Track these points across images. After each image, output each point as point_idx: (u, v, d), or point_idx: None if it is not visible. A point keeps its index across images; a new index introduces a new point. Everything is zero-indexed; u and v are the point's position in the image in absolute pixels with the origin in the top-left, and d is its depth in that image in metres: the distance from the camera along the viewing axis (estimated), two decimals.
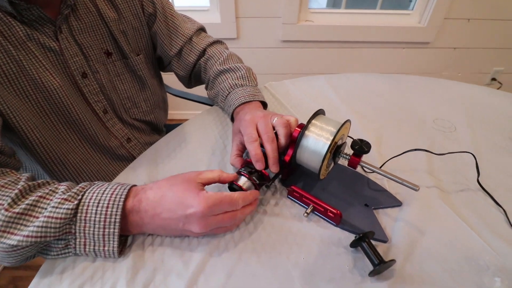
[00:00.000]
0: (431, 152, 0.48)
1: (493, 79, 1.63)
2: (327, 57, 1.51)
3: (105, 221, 0.34)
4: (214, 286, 0.34)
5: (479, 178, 0.48)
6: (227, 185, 0.43)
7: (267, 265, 0.37)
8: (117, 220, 0.34)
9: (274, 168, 0.42)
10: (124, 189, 0.36)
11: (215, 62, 0.62)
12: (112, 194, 0.35)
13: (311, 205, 0.41)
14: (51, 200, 0.34)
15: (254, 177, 0.40)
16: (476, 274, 0.36)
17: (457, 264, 0.37)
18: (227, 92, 0.58)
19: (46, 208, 0.33)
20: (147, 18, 0.58)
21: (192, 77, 0.69)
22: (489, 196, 0.46)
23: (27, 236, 0.32)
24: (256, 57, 1.50)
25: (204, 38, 0.65)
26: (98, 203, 0.34)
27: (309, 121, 0.40)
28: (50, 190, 0.35)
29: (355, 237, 0.37)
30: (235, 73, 0.60)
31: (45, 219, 0.32)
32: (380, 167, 0.50)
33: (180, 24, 0.61)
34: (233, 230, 0.40)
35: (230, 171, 0.49)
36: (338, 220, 0.40)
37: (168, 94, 0.83)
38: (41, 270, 0.36)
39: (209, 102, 0.84)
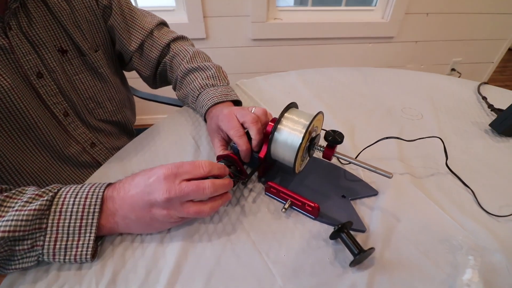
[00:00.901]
0: (402, 139, 0.49)
1: (453, 69, 1.73)
2: (297, 54, 1.53)
3: (83, 212, 0.33)
4: None
5: (447, 162, 0.50)
6: None
7: (247, 266, 0.35)
8: (96, 210, 0.33)
9: (256, 148, 0.43)
10: (103, 184, 0.36)
11: (182, 60, 0.59)
12: (91, 187, 0.35)
13: (289, 200, 0.40)
14: (19, 199, 0.32)
15: (231, 171, 0.39)
16: (451, 254, 0.37)
17: (432, 246, 0.38)
18: (198, 93, 0.56)
19: (13, 207, 0.31)
20: (102, 11, 0.54)
21: (158, 77, 0.65)
22: (458, 178, 0.48)
23: None
24: (226, 57, 1.48)
25: (167, 33, 0.62)
26: (76, 194, 0.33)
27: (281, 115, 0.39)
28: (17, 191, 0.34)
29: (334, 228, 0.37)
30: (204, 72, 0.58)
31: (15, 213, 0.30)
32: (356, 157, 0.51)
33: (139, 18, 0.58)
34: (206, 216, 0.39)
35: None
36: (316, 213, 0.40)
37: (134, 97, 0.79)
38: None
39: (180, 103, 0.81)
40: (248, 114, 0.43)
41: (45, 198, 0.32)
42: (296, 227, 0.40)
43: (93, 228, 0.33)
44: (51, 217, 0.32)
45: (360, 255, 0.34)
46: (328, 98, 0.69)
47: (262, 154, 0.42)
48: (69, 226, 0.32)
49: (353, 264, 0.35)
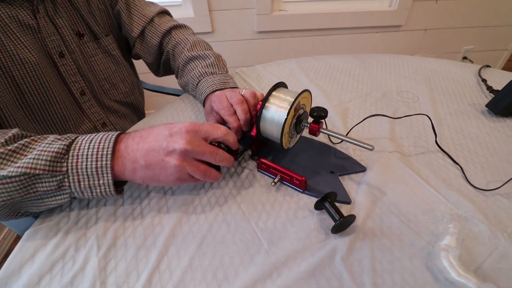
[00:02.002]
0: (389, 117, 0.50)
1: (465, 57, 1.68)
2: (303, 45, 1.53)
3: (97, 154, 0.35)
4: (184, 254, 0.36)
5: (437, 140, 0.50)
6: None
7: (236, 233, 0.38)
8: (109, 152, 0.35)
9: (245, 128, 0.46)
10: (117, 132, 0.38)
11: (183, 48, 0.63)
12: (104, 134, 0.37)
13: (278, 175, 0.43)
14: (43, 142, 0.35)
15: (223, 146, 0.42)
16: (433, 224, 0.39)
17: (414, 217, 0.40)
18: (197, 81, 0.59)
19: (36, 148, 0.34)
20: (110, 0, 0.60)
21: (162, 66, 0.69)
22: (447, 156, 0.49)
23: (18, 167, 0.32)
24: (232, 50, 1.51)
25: (168, 21, 0.65)
26: (91, 141, 0.36)
27: (268, 93, 0.42)
28: (43, 136, 0.37)
29: (318, 198, 0.39)
30: (204, 60, 0.60)
31: (37, 152, 0.33)
32: (346, 135, 0.52)
33: (142, 6, 0.63)
34: (211, 179, 0.41)
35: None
36: (303, 187, 0.42)
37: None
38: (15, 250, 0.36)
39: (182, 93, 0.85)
40: (236, 95, 0.46)
41: (64, 142, 0.35)
42: (285, 200, 0.42)
43: (108, 169, 0.35)
44: (69, 160, 0.34)
45: (340, 221, 0.36)
46: (324, 83, 0.70)
47: (253, 132, 0.45)
48: (86, 168, 0.34)
49: (334, 229, 0.37)
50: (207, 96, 0.55)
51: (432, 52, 1.65)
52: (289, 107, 0.39)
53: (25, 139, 0.35)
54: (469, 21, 1.54)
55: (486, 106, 0.59)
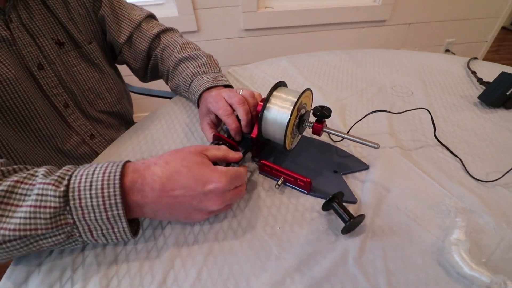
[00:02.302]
0: (390, 112, 0.50)
1: (447, 50, 1.73)
2: (291, 42, 1.53)
3: (104, 204, 0.30)
4: (192, 266, 0.34)
5: (436, 133, 0.51)
6: None
7: (243, 240, 0.37)
8: (118, 200, 0.30)
9: (246, 130, 0.44)
10: (117, 165, 0.31)
11: (172, 51, 0.60)
12: (104, 173, 0.31)
13: (282, 177, 0.42)
14: (30, 184, 0.30)
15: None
16: (439, 218, 0.39)
17: (421, 212, 0.40)
18: (190, 81, 0.57)
19: (26, 195, 0.29)
20: (92, 4, 0.56)
21: (149, 70, 0.66)
22: (446, 149, 0.49)
23: (13, 230, 0.28)
24: (219, 49, 1.48)
25: (156, 26, 0.62)
26: (91, 186, 0.30)
27: (270, 93, 0.40)
28: (28, 174, 0.31)
29: (326, 199, 0.38)
30: (195, 61, 0.58)
31: (31, 209, 0.28)
32: (347, 133, 0.52)
33: (128, 10, 0.60)
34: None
35: None
36: (308, 188, 0.41)
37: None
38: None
39: (174, 95, 0.82)
40: (235, 95, 0.44)
41: (57, 193, 0.29)
42: (290, 202, 0.41)
43: (122, 218, 0.31)
44: (74, 212, 0.30)
45: (350, 222, 0.35)
46: (319, 80, 0.70)
47: (254, 134, 0.43)
48: (96, 219, 0.30)
49: (344, 231, 0.36)
50: (201, 95, 0.53)
51: (416, 46, 1.68)
52: (292, 107, 0.38)
53: (7, 183, 0.29)
54: (450, 14, 1.58)
55: (479, 98, 0.60)
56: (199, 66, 0.57)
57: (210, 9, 1.34)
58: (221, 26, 1.41)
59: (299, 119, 0.40)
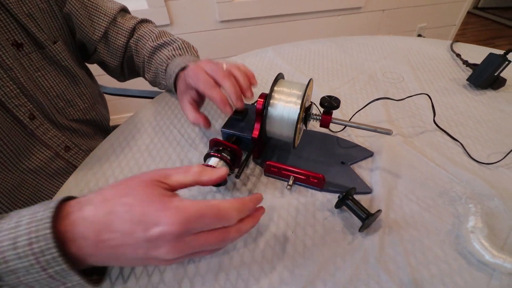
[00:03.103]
0: (392, 99, 0.49)
1: (419, 35, 1.78)
2: (269, 33, 1.49)
3: (39, 263, 0.23)
4: (202, 286, 0.30)
5: (434, 118, 0.50)
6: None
7: (256, 249, 0.34)
8: (55, 254, 0.23)
9: (239, 104, 0.38)
10: (49, 208, 0.24)
11: (147, 40, 0.55)
12: (30, 222, 0.23)
13: (292, 176, 0.39)
14: None
15: (225, 154, 0.36)
16: (451, 206, 0.38)
17: (432, 201, 0.39)
18: (166, 64, 0.51)
19: None
20: None
21: (125, 65, 0.60)
22: (446, 133, 0.49)
23: None
24: (195, 42, 1.39)
25: (130, 19, 0.57)
26: (15, 243, 0.22)
27: (272, 89, 0.37)
28: None
29: (338, 197, 0.36)
30: (170, 45, 0.54)
31: None
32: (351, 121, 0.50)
33: (99, 3, 0.53)
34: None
35: (195, 151, 0.44)
36: (322, 184, 0.38)
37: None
38: None
39: (153, 94, 0.76)
40: (218, 69, 0.39)
41: None
42: (299, 202, 0.39)
43: (69, 272, 0.24)
44: (6, 278, 0.23)
45: (368, 219, 0.33)
46: (310, 70, 0.67)
47: (255, 133, 0.39)
48: (37, 280, 0.24)
49: (362, 229, 0.34)
50: (178, 73, 0.48)
51: (390, 32, 1.71)
52: (300, 101, 0.34)
53: None
54: (421, 0, 1.61)
55: (467, 80, 0.60)
56: (174, 50, 0.53)
57: (183, 0, 1.27)
58: (196, 18, 1.33)
59: (305, 112, 0.37)
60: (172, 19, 1.31)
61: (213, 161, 0.36)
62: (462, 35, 2.42)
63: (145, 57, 0.55)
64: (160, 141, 0.48)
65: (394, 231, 0.35)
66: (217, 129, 0.50)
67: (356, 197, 0.36)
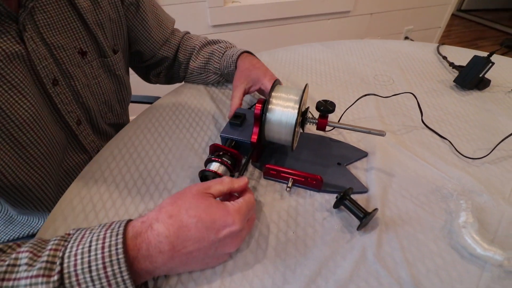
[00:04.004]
0: (379, 96, 0.51)
1: (406, 37, 1.83)
2: (260, 37, 1.51)
3: (110, 285, 0.25)
4: None
5: (423, 118, 0.52)
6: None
7: (258, 251, 0.34)
8: (126, 277, 0.25)
9: None
10: (117, 234, 0.26)
11: (198, 37, 0.63)
12: (103, 247, 0.25)
13: (291, 178, 0.40)
14: (14, 280, 0.23)
15: (225, 159, 0.37)
16: (443, 202, 0.40)
17: (426, 198, 0.40)
18: (224, 51, 0.58)
19: None
20: (126, 8, 0.50)
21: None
22: (434, 132, 0.51)
23: None
24: None
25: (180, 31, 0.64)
26: (89, 267, 0.24)
27: (270, 94, 0.38)
28: (8, 265, 0.24)
29: (336, 197, 0.37)
30: (224, 42, 0.62)
31: None
32: (338, 120, 0.52)
33: (163, 15, 0.58)
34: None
35: (194, 156, 0.45)
36: (320, 186, 0.40)
37: None
38: None
39: (150, 100, 0.76)
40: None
41: (52, 281, 0.23)
42: (298, 203, 0.40)
43: None
44: None
45: (366, 218, 0.34)
46: (303, 74, 0.69)
47: (254, 138, 0.40)
48: None
49: (360, 227, 0.35)
50: (239, 56, 0.56)
51: (378, 35, 1.75)
52: (297, 106, 0.36)
53: None
54: (408, 3, 1.66)
55: (454, 81, 0.63)
56: (228, 44, 0.62)
57: (174, 5, 1.27)
58: (188, 23, 1.34)
59: (302, 116, 0.39)
60: None
61: (214, 166, 0.37)
62: (447, 37, 2.50)
63: (196, 47, 0.61)
64: (160, 146, 0.49)
65: (391, 228, 0.37)
66: (215, 134, 0.51)
67: (353, 196, 0.38)
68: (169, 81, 0.69)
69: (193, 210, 0.29)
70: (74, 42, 0.43)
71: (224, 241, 0.29)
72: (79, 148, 0.49)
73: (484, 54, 0.60)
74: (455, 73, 0.66)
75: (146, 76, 0.67)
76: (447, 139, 0.49)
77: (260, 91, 0.53)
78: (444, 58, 0.72)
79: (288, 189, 0.39)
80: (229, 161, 0.37)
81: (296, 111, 0.35)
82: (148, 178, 0.43)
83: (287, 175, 0.40)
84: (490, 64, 0.58)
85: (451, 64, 0.69)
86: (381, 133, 0.37)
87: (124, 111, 0.59)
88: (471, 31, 2.64)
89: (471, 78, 0.60)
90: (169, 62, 0.63)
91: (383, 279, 0.32)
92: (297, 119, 0.35)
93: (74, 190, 0.42)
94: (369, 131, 0.38)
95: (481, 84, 0.61)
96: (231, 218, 0.29)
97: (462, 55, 0.73)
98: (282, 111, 0.36)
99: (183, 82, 0.67)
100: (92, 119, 0.50)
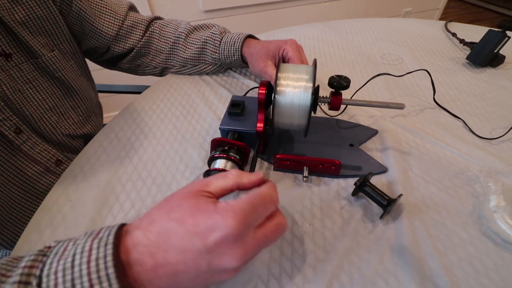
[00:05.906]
0: (392, 75, 0.47)
1: None
2: (254, 22, 1.44)
3: None
4: None
5: (435, 96, 0.49)
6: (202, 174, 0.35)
7: (274, 248, 0.31)
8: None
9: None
10: (106, 244, 0.21)
11: (179, 23, 0.56)
12: (89, 261, 0.20)
13: (306, 167, 0.36)
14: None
15: (232, 154, 0.33)
16: (469, 185, 0.37)
17: (449, 181, 0.37)
18: (220, 37, 0.54)
19: None
20: (59, 5, 0.44)
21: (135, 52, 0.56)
22: (446, 111, 0.48)
23: None
24: None
25: (141, 15, 0.57)
26: (73, 286, 0.20)
27: (276, 75, 0.33)
28: None
29: (355, 184, 0.34)
30: (214, 26, 0.57)
31: None
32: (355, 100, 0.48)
33: (108, 1, 0.51)
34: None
35: (193, 147, 0.41)
36: (338, 171, 0.36)
37: None
38: None
39: (139, 89, 0.71)
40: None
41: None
42: (313, 193, 0.36)
43: None
44: None
45: (390, 205, 0.31)
46: (306, 55, 0.64)
47: (260, 127, 0.36)
48: None
49: (383, 216, 0.32)
50: (245, 39, 0.53)
51: (377, 16, 1.70)
52: (310, 84, 0.32)
53: None
54: None
55: (467, 58, 0.59)
56: (221, 28, 0.56)
57: None
58: (178, 8, 1.27)
59: (314, 95, 0.35)
60: (154, 10, 1.24)
61: (219, 163, 0.33)
62: (445, 19, 2.45)
63: (181, 34, 0.55)
64: (155, 136, 0.45)
65: (415, 215, 0.33)
66: (213, 128, 0.46)
67: (375, 178, 0.34)
68: (143, 72, 0.61)
69: (175, 212, 0.23)
70: None
71: (217, 251, 0.21)
72: (27, 160, 0.43)
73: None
74: (466, 50, 0.63)
75: (116, 66, 0.60)
76: (461, 119, 0.46)
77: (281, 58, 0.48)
78: (454, 35, 0.68)
79: (305, 179, 0.35)
80: (237, 156, 0.33)
81: (310, 90, 0.31)
82: (158, 169, 0.39)
83: (302, 164, 0.36)
84: (507, 38, 0.54)
85: (462, 41, 0.65)
86: (400, 106, 0.34)
87: (85, 119, 0.51)
88: (468, 13, 2.60)
89: (485, 54, 0.56)
90: (135, 52, 0.55)
91: (414, 272, 0.29)
92: (312, 99, 0.31)
93: (59, 190, 0.37)
94: (387, 105, 0.34)
95: (495, 60, 0.57)
96: (219, 218, 0.21)
97: (473, 32, 0.69)
98: (294, 91, 0.32)
99: (169, 74, 0.60)
100: (37, 128, 0.44)
